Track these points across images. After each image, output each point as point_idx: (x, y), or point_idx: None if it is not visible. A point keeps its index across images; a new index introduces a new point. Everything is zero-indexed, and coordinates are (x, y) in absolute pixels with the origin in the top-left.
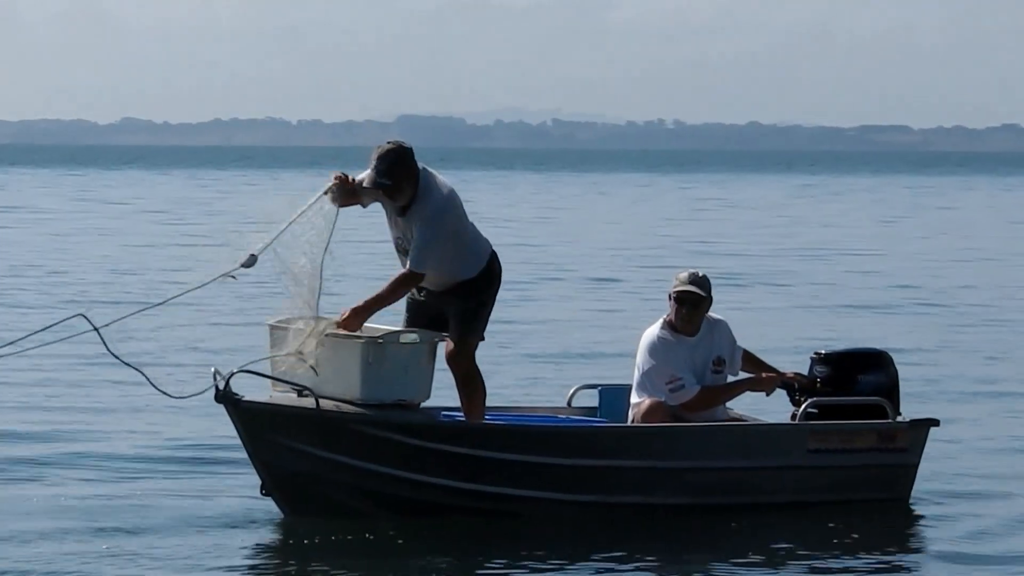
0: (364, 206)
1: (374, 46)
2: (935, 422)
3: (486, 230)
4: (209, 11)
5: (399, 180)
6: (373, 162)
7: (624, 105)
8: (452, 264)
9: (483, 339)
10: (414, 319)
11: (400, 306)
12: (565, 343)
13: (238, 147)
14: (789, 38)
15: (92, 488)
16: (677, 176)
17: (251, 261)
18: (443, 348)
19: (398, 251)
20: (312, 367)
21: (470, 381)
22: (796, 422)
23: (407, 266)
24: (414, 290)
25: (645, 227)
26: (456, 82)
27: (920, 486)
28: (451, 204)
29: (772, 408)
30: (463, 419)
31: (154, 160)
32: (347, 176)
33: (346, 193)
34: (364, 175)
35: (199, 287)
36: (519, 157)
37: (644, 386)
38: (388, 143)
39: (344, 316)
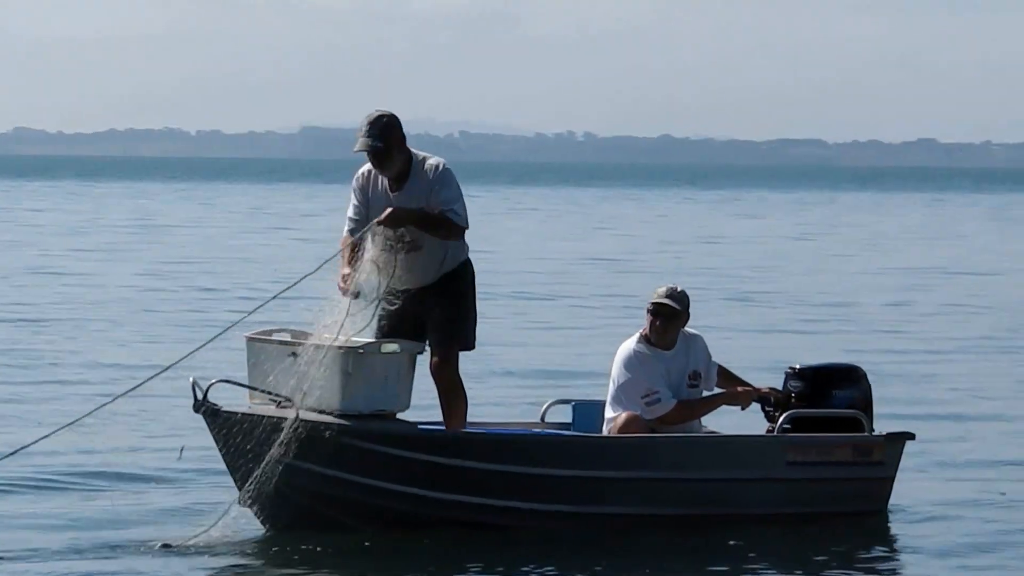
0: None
1: (276, 56)
2: (911, 435)
3: None
4: (104, 20)
5: (390, 144)
6: (364, 128)
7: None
8: (443, 243)
9: (473, 348)
10: (392, 328)
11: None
12: (524, 360)
13: (133, 158)
14: (702, 51)
15: (64, 501)
16: (592, 190)
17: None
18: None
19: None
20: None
21: (453, 392)
22: (775, 435)
23: (457, 224)
24: (391, 296)
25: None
26: (361, 93)
27: (896, 499)
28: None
29: (745, 424)
30: (444, 430)
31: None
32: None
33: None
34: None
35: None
36: None
37: (620, 400)
38: (377, 111)
39: (389, 212)
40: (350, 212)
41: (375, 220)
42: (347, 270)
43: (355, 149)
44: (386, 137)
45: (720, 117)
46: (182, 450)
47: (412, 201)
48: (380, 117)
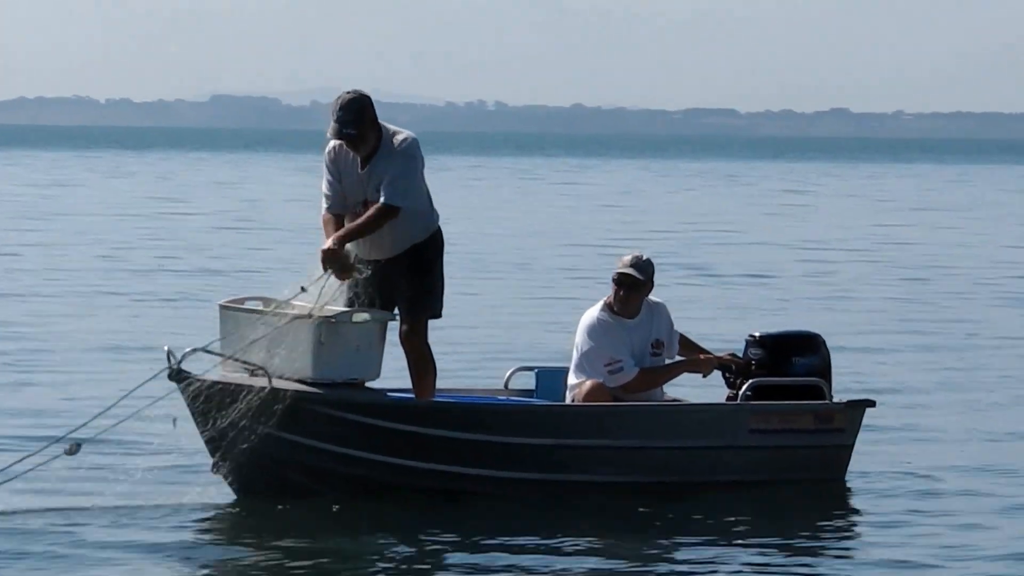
0: (361, 274)
1: (184, 23)
2: (871, 403)
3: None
4: None
5: (364, 130)
6: (335, 113)
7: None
8: (412, 216)
9: (440, 316)
10: (361, 298)
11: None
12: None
13: (45, 126)
14: (613, 20)
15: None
16: (509, 159)
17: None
18: (396, 327)
19: (351, 215)
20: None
21: (422, 361)
22: (738, 403)
23: (382, 200)
24: (360, 266)
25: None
26: (271, 62)
27: (855, 466)
28: (418, 145)
29: (705, 393)
30: (413, 398)
31: None
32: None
33: (344, 268)
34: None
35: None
36: None
37: (583, 367)
38: (348, 92)
39: (327, 245)
40: (324, 188)
41: (320, 276)
42: (329, 242)
43: (328, 135)
44: (359, 124)
45: (633, 87)
46: (175, 421)
47: (377, 176)
48: (352, 101)
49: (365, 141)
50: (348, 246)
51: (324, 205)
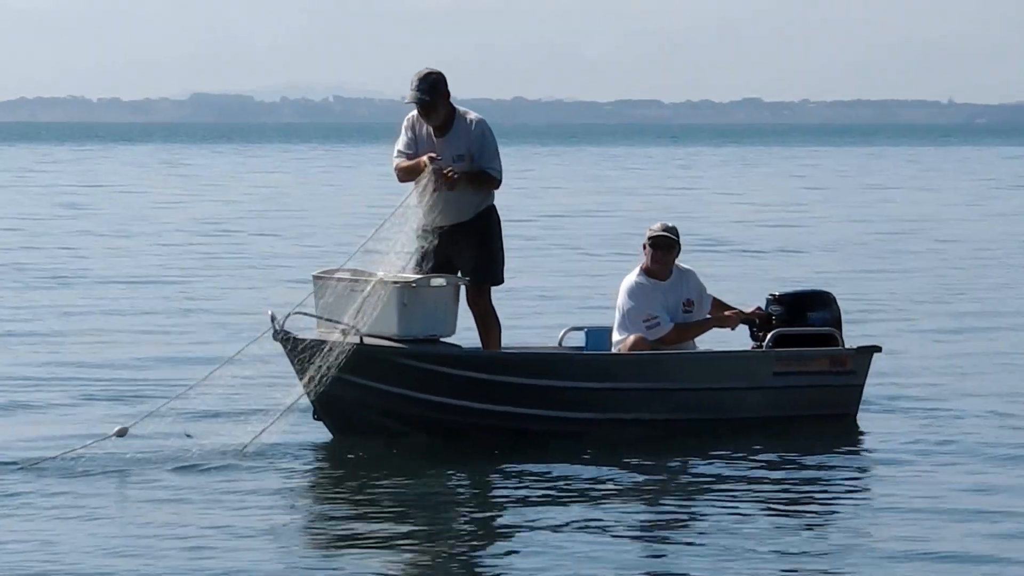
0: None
1: (165, 26)
2: (878, 348)
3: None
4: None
5: (436, 97)
6: (414, 83)
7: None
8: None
9: (502, 282)
10: (431, 265)
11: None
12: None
13: (43, 123)
14: (547, 21)
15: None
16: None
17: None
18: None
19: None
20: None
21: (488, 319)
22: (765, 350)
23: (491, 174)
24: (428, 234)
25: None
26: (245, 64)
27: (865, 403)
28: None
29: (732, 343)
30: (482, 351)
31: None
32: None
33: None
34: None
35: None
36: (305, 131)
37: (625, 325)
38: (427, 68)
39: (450, 171)
40: (400, 146)
41: (438, 173)
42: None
43: (405, 100)
44: (432, 92)
45: (569, 80)
46: (189, 435)
47: (454, 147)
48: (429, 75)
49: (436, 110)
50: (419, 215)
51: (396, 157)
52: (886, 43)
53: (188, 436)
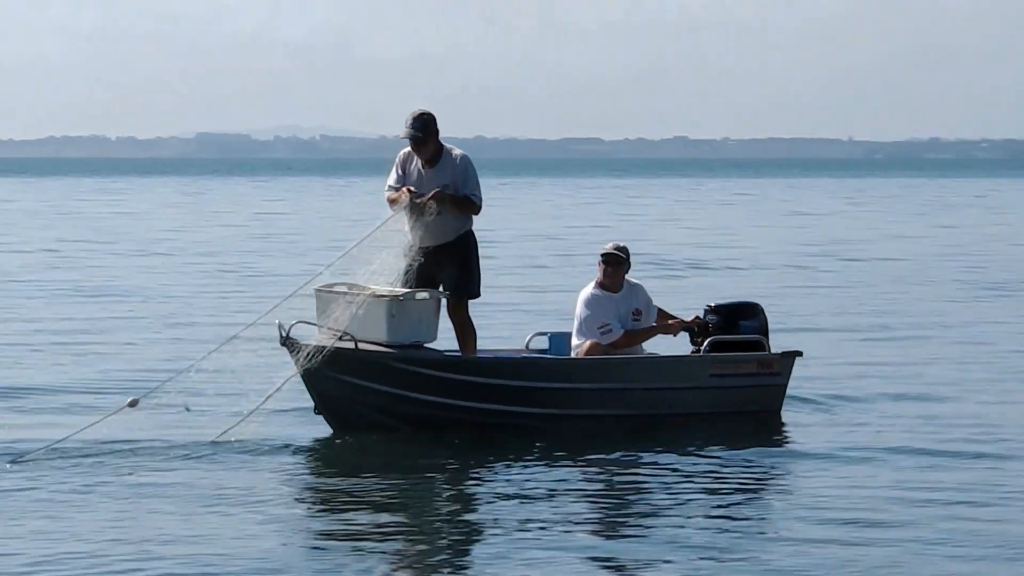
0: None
1: (180, 77)
2: (799, 353)
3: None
4: (38, 47)
5: (427, 135)
6: (408, 121)
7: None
8: (458, 215)
9: (479, 296)
10: (416, 280)
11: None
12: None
13: (67, 159)
14: (505, 70)
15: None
16: None
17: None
18: (445, 303)
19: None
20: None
21: (466, 328)
22: (702, 354)
23: (474, 201)
24: (415, 255)
25: None
26: (242, 106)
27: (788, 401)
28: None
29: (674, 348)
30: (460, 355)
31: None
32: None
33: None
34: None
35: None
36: (299, 164)
37: (582, 331)
38: (419, 109)
39: (433, 194)
40: (391, 180)
41: (425, 196)
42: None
43: (400, 136)
44: (424, 129)
45: (525, 118)
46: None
47: (440, 178)
48: (421, 115)
49: (427, 145)
50: (407, 236)
51: (387, 191)
52: (793, 84)
53: (187, 409)
